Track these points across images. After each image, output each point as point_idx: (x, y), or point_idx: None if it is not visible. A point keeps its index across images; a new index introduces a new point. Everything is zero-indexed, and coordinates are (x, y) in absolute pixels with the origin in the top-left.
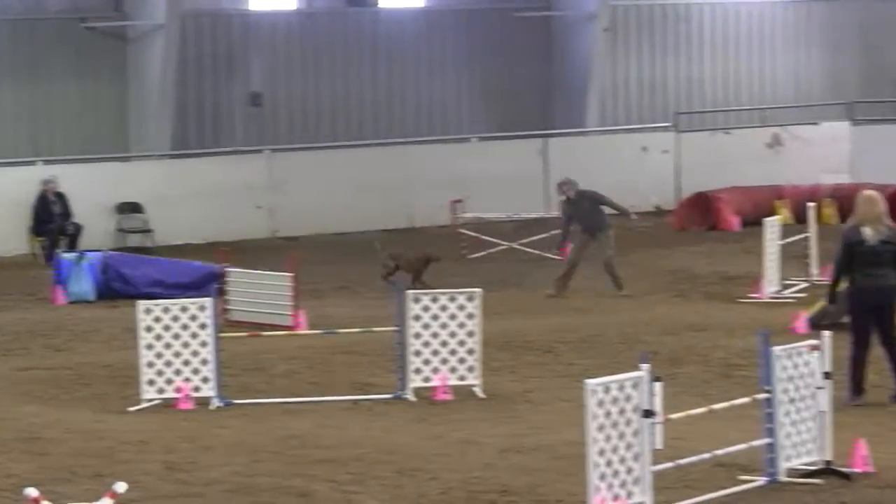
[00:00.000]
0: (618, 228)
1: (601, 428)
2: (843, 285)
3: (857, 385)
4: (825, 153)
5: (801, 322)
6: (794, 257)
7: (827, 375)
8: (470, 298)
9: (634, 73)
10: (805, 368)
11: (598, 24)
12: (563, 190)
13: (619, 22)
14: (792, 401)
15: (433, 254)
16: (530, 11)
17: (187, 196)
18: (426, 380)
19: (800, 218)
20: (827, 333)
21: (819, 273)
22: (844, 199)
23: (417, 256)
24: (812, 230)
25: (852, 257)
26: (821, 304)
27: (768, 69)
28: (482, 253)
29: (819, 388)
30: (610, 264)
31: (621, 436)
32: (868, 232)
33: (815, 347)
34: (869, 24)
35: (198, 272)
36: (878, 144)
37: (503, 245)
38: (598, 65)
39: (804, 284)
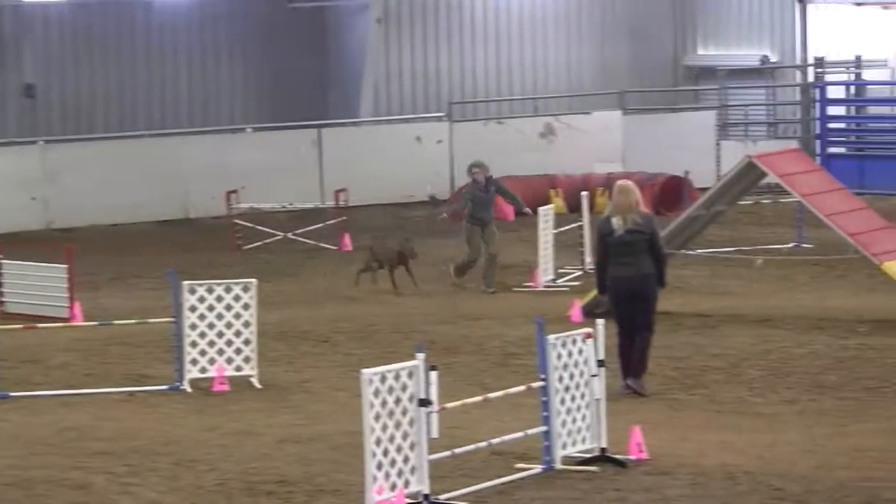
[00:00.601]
0: (390, 217)
1: (378, 417)
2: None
3: (628, 373)
4: (597, 142)
5: (576, 310)
6: (568, 246)
7: (601, 363)
8: (245, 289)
9: (408, 63)
10: (580, 356)
11: (371, 14)
12: (474, 173)
13: (391, 12)
14: (567, 389)
15: (406, 248)
16: (304, 2)
17: None
18: (203, 371)
19: (573, 207)
20: (601, 322)
21: (593, 261)
22: None
23: (394, 250)
24: (585, 219)
25: (606, 248)
26: (594, 292)
27: (540, 59)
28: (258, 243)
29: (593, 375)
30: (494, 260)
31: (398, 425)
32: (617, 222)
33: (589, 335)
34: (638, 14)
35: None
36: (649, 133)
37: (278, 235)
38: (371, 55)
39: (578, 273)
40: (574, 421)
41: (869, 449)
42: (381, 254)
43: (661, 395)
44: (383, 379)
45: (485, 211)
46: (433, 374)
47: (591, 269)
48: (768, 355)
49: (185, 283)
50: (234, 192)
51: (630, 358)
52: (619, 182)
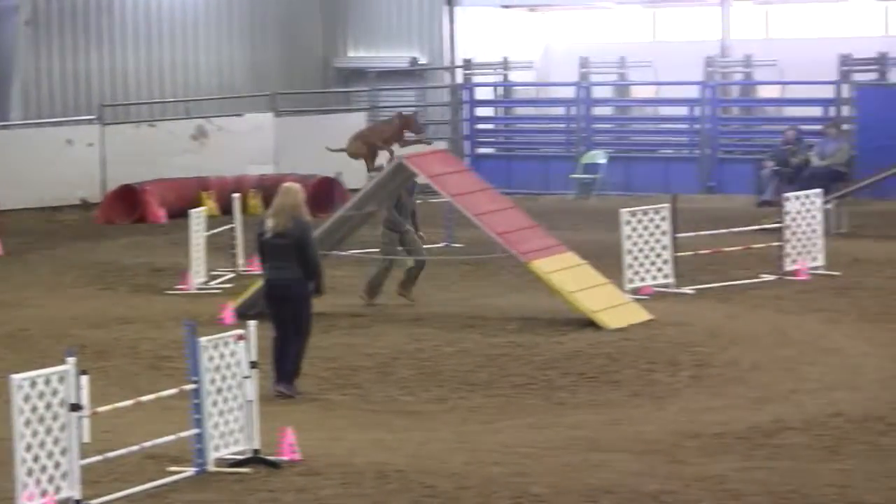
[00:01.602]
0: (42, 221)
1: (28, 423)
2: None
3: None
4: (250, 144)
5: (228, 312)
6: (220, 248)
7: (253, 365)
8: None
9: (58, 65)
10: (232, 358)
11: (20, 16)
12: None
13: (41, 14)
14: (220, 391)
15: None
16: None
17: None
18: None
19: (226, 209)
20: (253, 323)
21: (245, 263)
22: (269, 190)
23: None
24: (238, 221)
25: (260, 248)
26: (247, 294)
27: (192, 61)
28: None
29: (246, 377)
30: (421, 268)
31: (48, 430)
32: (269, 224)
33: (241, 337)
34: (288, 16)
35: None
36: (301, 135)
37: None
38: (20, 58)
39: (231, 275)
40: (227, 423)
41: (518, 444)
42: None
43: (314, 396)
44: (33, 384)
45: (406, 210)
46: (84, 379)
47: (243, 270)
48: (419, 354)
49: None
50: None
51: (282, 362)
52: (285, 184)
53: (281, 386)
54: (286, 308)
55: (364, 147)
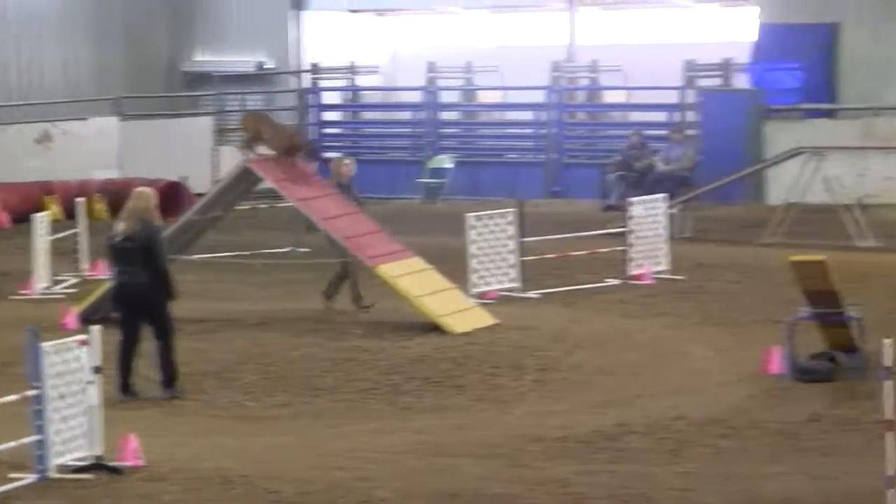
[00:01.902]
0: None
1: None
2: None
3: (126, 381)
4: (95, 148)
5: (72, 317)
6: (64, 253)
7: (97, 370)
8: None
9: None
10: (75, 364)
11: None
12: (344, 172)
13: None
14: (62, 397)
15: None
16: None
17: None
18: None
19: (70, 213)
20: (96, 328)
21: (89, 269)
22: (114, 195)
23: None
24: (82, 226)
25: (110, 251)
26: (91, 298)
27: (37, 63)
28: None
29: (89, 382)
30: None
31: None
32: (119, 227)
33: (84, 342)
34: (135, 19)
35: None
36: (147, 139)
37: None
38: None
39: (75, 280)
40: (70, 429)
41: (363, 449)
42: None
43: (158, 401)
44: None
45: None
46: None
47: (87, 275)
48: (264, 359)
49: None
50: None
51: (130, 366)
52: (138, 188)
53: (167, 393)
54: (139, 312)
55: None
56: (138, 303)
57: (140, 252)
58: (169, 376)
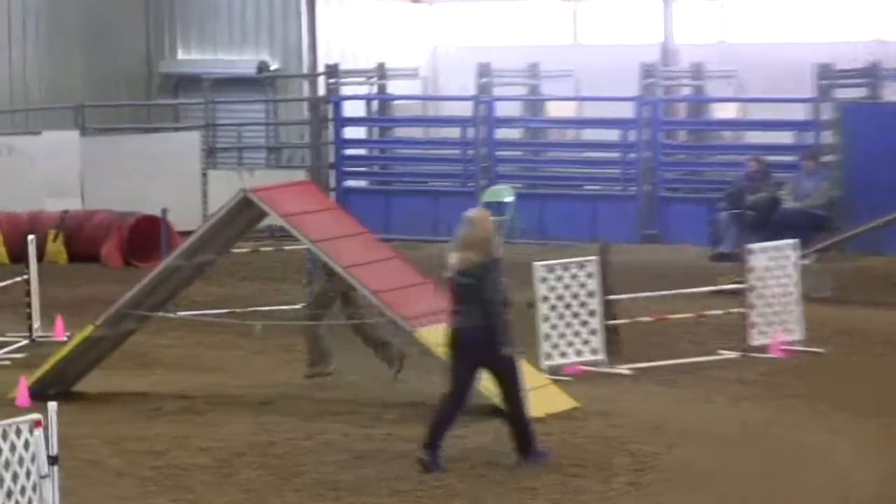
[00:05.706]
0: None
1: None
2: None
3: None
4: (50, 171)
5: (24, 391)
6: (11, 306)
7: (54, 461)
8: None
9: None
10: (25, 452)
11: None
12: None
13: None
14: (9, 494)
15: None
16: None
17: None
18: None
19: (18, 255)
20: (53, 406)
21: (45, 327)
22: (75, 231)
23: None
24: (33, 270)
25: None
26: (47, 366)
27: None
28: None
29: (43, 476)
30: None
31: None
32: (451, 259)
33: (39, 424)
34: (100, 10)
35: None
36: (116, 159)
37: None
38: None
39: (25, 342)
40: None
41: None
42: None
43: (136, 500)
44: None
45: None
46: None
47: (40, 336)
48: (270, 449)
49: None
50: None
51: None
52: (469, 212)
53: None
54: (474, 360)
55: None
56: (472, 349)
57: (474, 290)
58: (526, 443)
